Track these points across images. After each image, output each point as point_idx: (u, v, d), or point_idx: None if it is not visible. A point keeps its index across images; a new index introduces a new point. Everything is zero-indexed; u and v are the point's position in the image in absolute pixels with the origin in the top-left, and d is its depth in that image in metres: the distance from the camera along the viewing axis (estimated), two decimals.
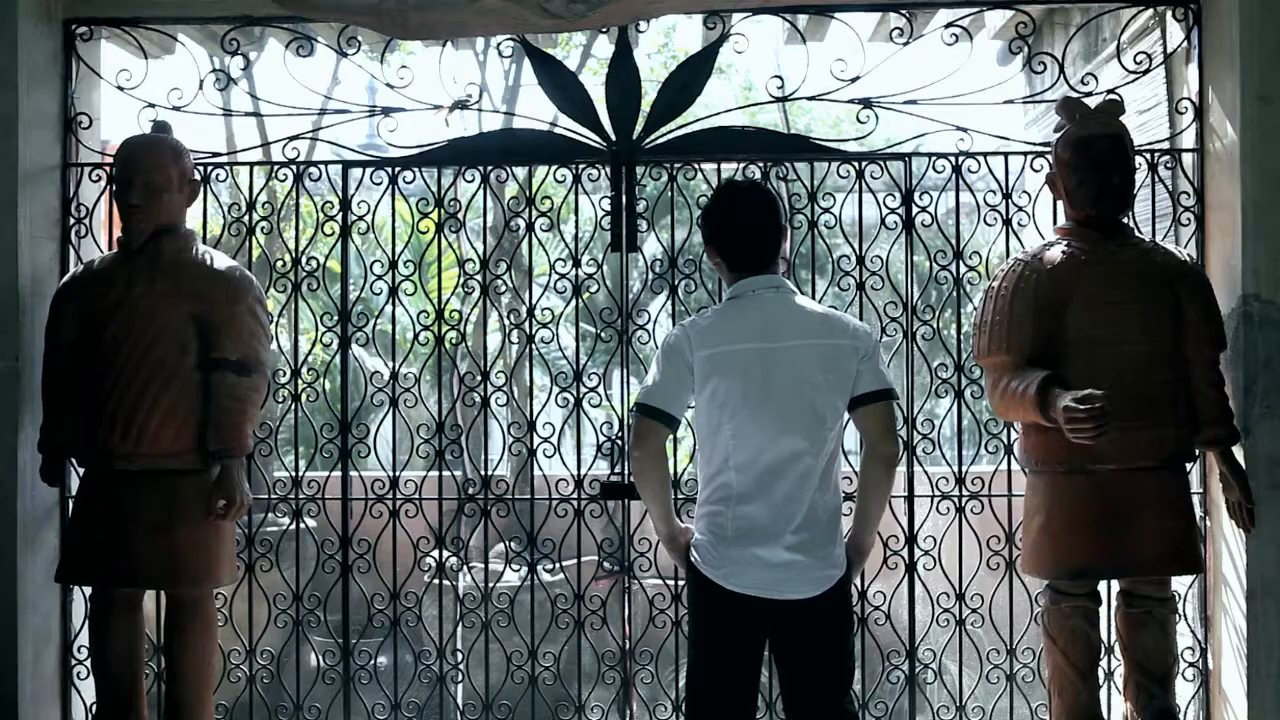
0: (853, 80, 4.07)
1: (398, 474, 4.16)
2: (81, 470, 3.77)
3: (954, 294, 4.14)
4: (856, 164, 4.11)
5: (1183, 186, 4.05)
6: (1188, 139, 4.05)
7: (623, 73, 4.14)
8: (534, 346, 4.17)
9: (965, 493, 4.10)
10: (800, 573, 3.01)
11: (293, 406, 4.22)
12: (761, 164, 4.12)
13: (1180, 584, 3.87)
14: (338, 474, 4.20)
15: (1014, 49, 4.28)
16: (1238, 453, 3.61)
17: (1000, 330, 3.53)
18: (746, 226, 3.18)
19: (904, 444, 3.97)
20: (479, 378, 4.19)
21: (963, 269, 4.12)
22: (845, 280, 4.13)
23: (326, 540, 4.21)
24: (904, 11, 4.16)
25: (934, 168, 4.13)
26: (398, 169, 4.18)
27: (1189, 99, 4.03)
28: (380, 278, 4.20)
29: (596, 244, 4.44)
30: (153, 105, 4.14)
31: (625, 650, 4.18)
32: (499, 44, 4.59)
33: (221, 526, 3.67)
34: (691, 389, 3.10)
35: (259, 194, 4.24)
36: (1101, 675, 3.74)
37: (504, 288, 4.37)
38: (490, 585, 4.18)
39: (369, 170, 4.21)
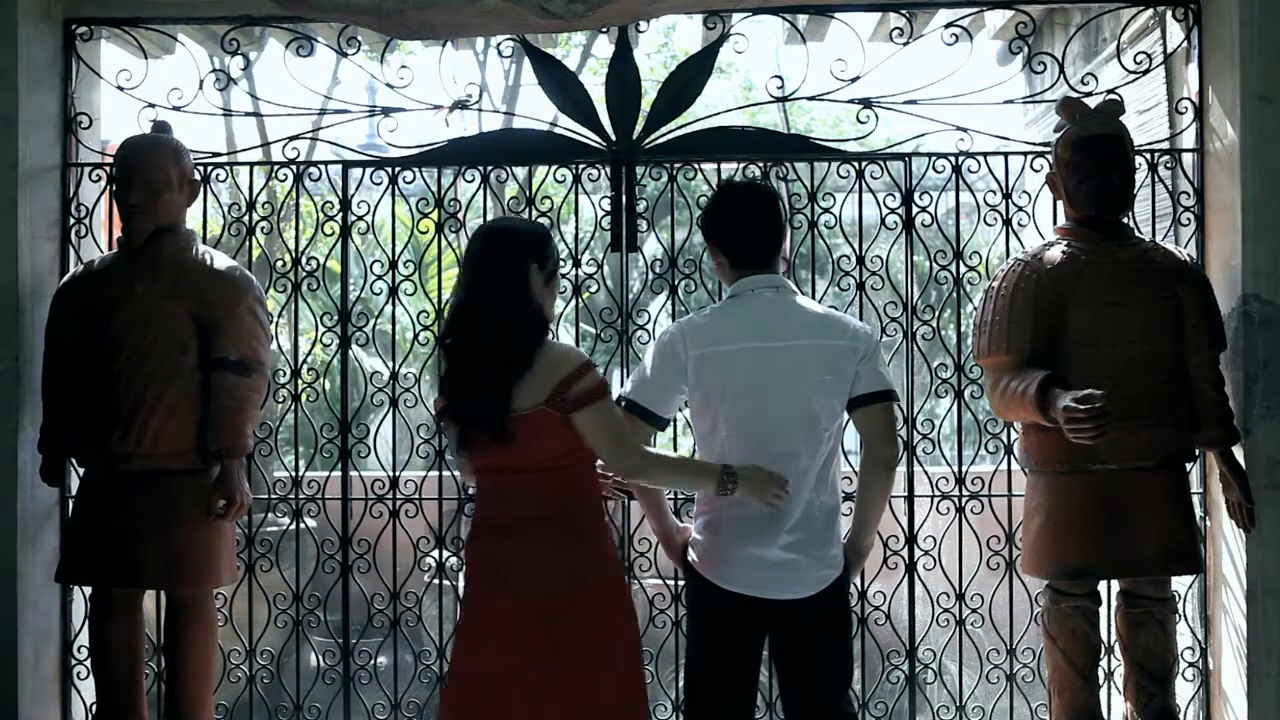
0: (853, 80, 4.07)
1: (398, 474, 4.16)
2: (81, 470, 3.77)
3: (954, 294, 4.14)
4: (856, 164, 4.11)
5: (1183, 186, 4.05)
6: (1188, 139, 4.05)
7: (623, 73, 4.14)
8: None
9: (965, 493, 4.10)
10: (796, 572, 3.01)
11: (293, 406, 4.22)
12: (761, 164, 4.12)
13: (1180, 584, 3.87)
14: (338, 474, 4.20)
15: (1014, 49, 4.29)
16: (1238, 453, 3.61)
17: (1000, 330, 3.53)
18: (749, 223, 3.16)
19: (904, 444, 3.97)
20: None
21: (963, 269, 4.12)
22: (845, 280, 4.13)
23: (326, 540, 4.21)
24: (904, 11, 4.16)
25: (934, 168, 4.13)
26: (398, 169, 4.17)
27: (1189, 99, 4.03)
28: (380, 278, 4.20)
29: (596, 244, 4.44)
30: (153, 105, 4.14)
31: None
32: (499, 44, 4.60)
33: (221, 526, 3.67)
34: (682, 390, 3.09)
35: (259, 194, 4.23)
36: (1101, 675, 3.74)
37: None
38: None
39: (369, 170, 4.21)
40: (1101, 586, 3.63)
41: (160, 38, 4.38)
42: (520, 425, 2.82)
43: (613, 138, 4.11)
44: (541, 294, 2.91)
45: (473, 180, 4.22)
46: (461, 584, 4.48)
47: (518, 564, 2.87)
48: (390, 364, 4.28)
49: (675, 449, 4.51)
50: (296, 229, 4.27)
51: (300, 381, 4.22)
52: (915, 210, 4.11)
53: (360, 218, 4.20)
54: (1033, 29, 4.22)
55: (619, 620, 2.94)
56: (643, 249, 4.36)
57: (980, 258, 4.16)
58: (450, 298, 3.03)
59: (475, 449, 2.90)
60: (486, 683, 2.86)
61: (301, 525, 4.24)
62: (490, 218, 4.21)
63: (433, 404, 3.10)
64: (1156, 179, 4.05)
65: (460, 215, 4.22)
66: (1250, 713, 3.72)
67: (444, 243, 4.22)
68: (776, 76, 4.20)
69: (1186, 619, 3.96)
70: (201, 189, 3.94)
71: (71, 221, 4.13)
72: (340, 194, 4.18)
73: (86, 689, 4.05)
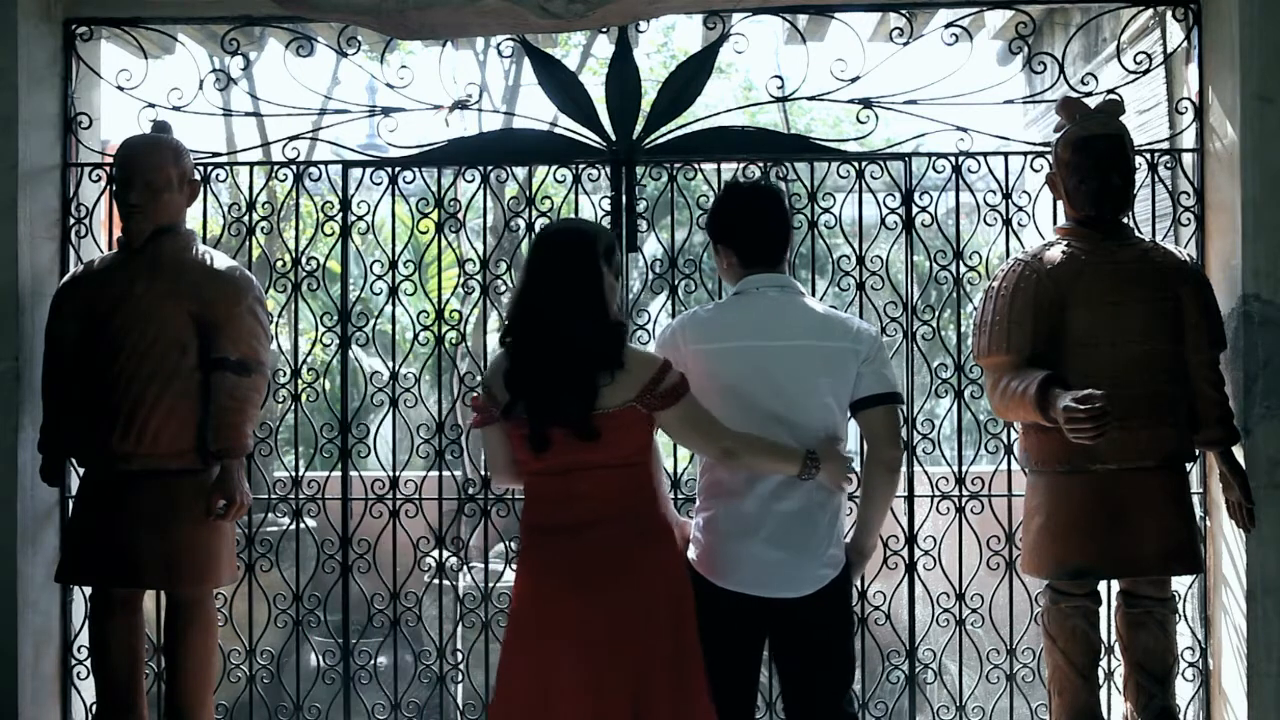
0: (853, 80, 4.07)
1: (398, 474, 4.16)
2: (81, 470, 3.77)
3: (954, 294, 4.14)
4: (856, 164, 4.11)
5: (1183, 186, 4.05)
6: (1188, 139, 4.05)
7: (623, 73, 4.14)
8: None
9: (965, 493, 4.10)
10: (793, 571, 3.01)
11: (293, 406, 4.22)
12: (761, 164, 4.12)
13: (1180, 584, 3.87)
14: (338, 474, 4.20)
15: (1014, 49, 4.29)
16: (1238, 453, 3.61)
17: (1000, 330, 3.53)
18: (758, 220, 3.17)
19: (904, 444, 3.96)
20: (479, 378, 4.18)
21: (963, 269, 4.12)
22: (845, 280, 4.13)
23: (326, 540, 4.21)
24: (904, 11, 4.16)
25: (934, 168, 4.13)
26: (398, 169, 4.18)
27: (1189, 99, 4.03)
28: (380, 278, 4.20)
29: None
30: (153, 105, 4.14)
31: None
32: (499, 44, 4.60)
33: (221, 526, 3.67)
34: None
35: (259, 194, 4.24)
36: (1101, 675, 3.74)
37: (504, 288, 4.36)
38: (490, 585, 4.18)
39: (369, 170, 4.21)
40: (1101, 586, 3.63)
41: (160, 38, 4.38)
42: (607, 422, 2.87)
43: (613, 138, 4.12)
44: (610, 294, 2.99)
45: (473, 180, 4.22)
46: (463, 580, 4.50)
47: (587, 565, 2.89)
48: (390, 364, 4.28)
49: (676, 448, 4.52)
50: (296, 229, 4.27)
51: (300, 381, 4.22)
52: (915, 210, 4.11)
53: (360, 218, 4.20)
54: (1033, 29, 4.22)
55: (687, 620, 2.96)
56: (643, 249, 4.36)
57: (980, 258, 4.16)
58: (514, 296, 3.04)
59: (548, 448, 2.90)
60: (556, 686, 2.86)
61: (301, 525, 4.25)
62: (490, 218, 4.23)
63: (471, 402, 3.11)
64: (1156, 179, 4.05)
65: (460, 215, 4.22)
66: (1250, 713, 3.72)
67: (444, 243, 4.22)
68: (776, 76, 4.20)
69: (1186, 619, 3.96)
70: (201, 189, 3.94)
71: (71, 221, 4.13)
72: (340, 194, 4.18)
73: (86, 689, 4.05)
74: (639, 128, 4.11)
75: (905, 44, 4.12)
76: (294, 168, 4.21)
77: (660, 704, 2.87)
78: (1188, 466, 3.69)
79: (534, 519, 2.99)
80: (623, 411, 2.88)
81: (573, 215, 4.18)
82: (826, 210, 4.13)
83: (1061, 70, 4.10)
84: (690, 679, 2.92)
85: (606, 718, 2.84)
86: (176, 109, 4.14)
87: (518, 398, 2.91)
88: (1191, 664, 3.99)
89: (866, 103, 4.10)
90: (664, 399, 2.91)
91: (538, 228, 4.15)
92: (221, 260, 3.78)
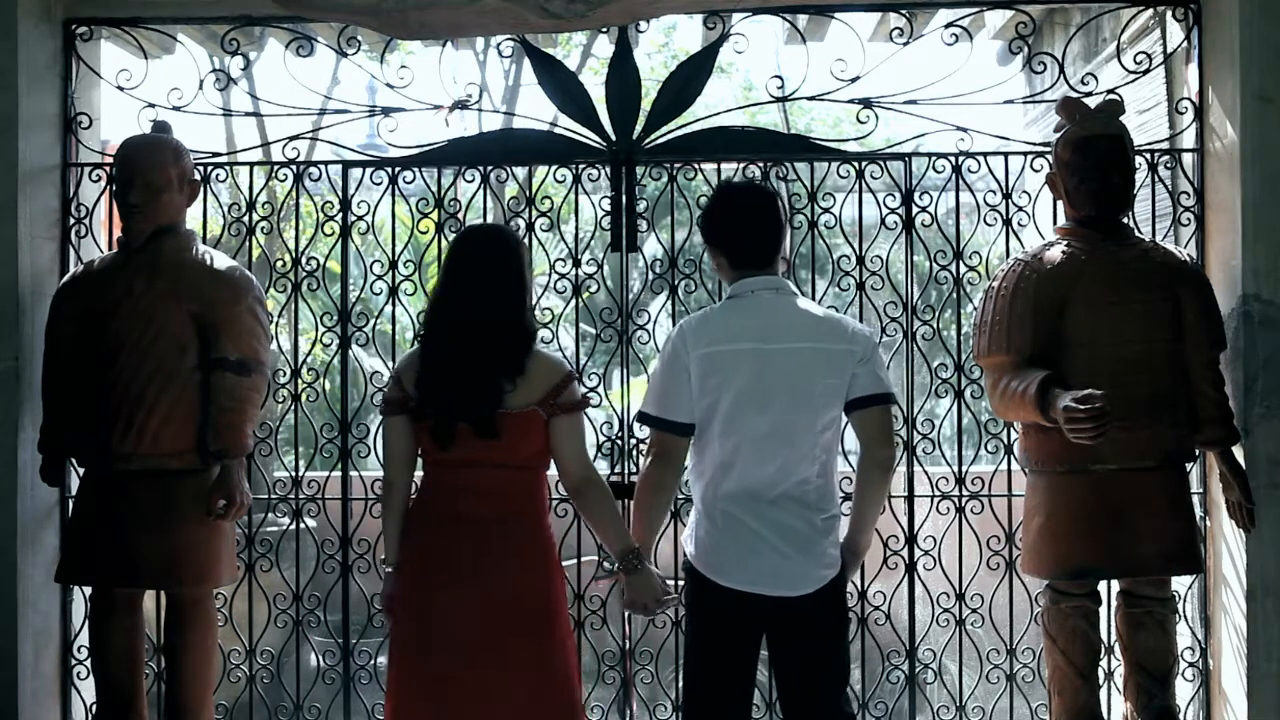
0: (853, 80, 4.07)
1: None
2: (81, 470, 3.77)
3: (954, 294, 4.14)
4: (856, 164, 4.11)
5: (1183, 186, 4.05)
6: (1188, 139, 4.05)
7: (623, 73, 4.14)
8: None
9: (965, 493, 4.10)
10: (793, 570, 3.02)
11: (293, 406, 4.22)
12: (761, 164, 4.12)
13: (1180, 584, 3.87)
14: (338, 474, 4.20)
15: (1014, 49, 4.29)
16: (1238, 453, 3.61)
17: (1000, 330, 3.53)
18: (748, 223, 3.18)
19: (903, 444, 3.98)
20: None
21: (963, 269, 4.12)
22: (845, 280, 4.13)
23: (326, 540, 4.21)
24: (904, 11, 4.16)
25: (934, 168, 4.13)
26: (398, 169, 4.18)
27: (1189, 99, 4.03)
28: (380, 278, 4.20)
29: (596, 244, 4.44)
30: (153, 105, 4.14)
31: (625, 650, 4.17)
32: (499, 44, 4.60)
33: (221, 526, 3.67)
34: (692, 389, 3.10)
35: (259, 194, 4.24)
36: (1101, 675, 3.75)
37: None
38: None
39: (369, 170, 4.21)
40: (1101, 586, 3.63)
41: (160, 38, 4.38)
42: (509, 422, 3.01)
43: (613, 138, 4.12)
44: (529, 300, 3.15)
45: (473, 180, 4.22)
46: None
47: (470, 559, 3.00)
48: (390, 364, 4.28)
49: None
50: (296, 229, 4.27)
51: (300, 381, 4.22)
52: (915, 210, 4.11)
53: (360, 218, 4.20)
54: (1033, 29, 4.22)
55: (563, 619, 3.15)
56: (643, 249, 4.36)
57: (980, 258, 4.16)
58: (434, 294, 3.16)
59: (452, 442, 3.02)
60: (438, 680, 2.98)
61: (301, 525, 4.24)
62: (490, 218, 4.23)
63: (387, 393, 3.20)
64: (1156, 179, 4.05)
65: (460, 215, 4.22)
66: (1250, 713, 3.72)
67: (444, 243, 4.21)
68: (776, 76, 4.20)
69: (1186, 619, 3.96)
70: (201, 189, 3.94)
71: (71, 221, 4.13)
72: (340, 194, 4.18)
73: (86, 689, 4.05)
74: (639, 128, 4.11)
75: (905, 44, 4.12)
76: (294, 168, 4.21)
77: (527, 704, 2.98)
78: (1188, 466, 3.69)
79: (430, 505, 3.13)
80: (526, 413, 3.02)
81: (573, 215, 4.19)
82: (826, 210, 4.13)
83: (1061, 70, 4.10)
84: (560, 680, 3.04)
85: (462, 711, 2.95)
86: (176, 109, 4.14)
87: (428, 392, 3.03)
88: (1191, 664, 3.99)
89: (866, 103, 4.10)
90: (564, 408, 3.05)
91: (538, 228, 4.16)
92: (221, 260, 3.78)
